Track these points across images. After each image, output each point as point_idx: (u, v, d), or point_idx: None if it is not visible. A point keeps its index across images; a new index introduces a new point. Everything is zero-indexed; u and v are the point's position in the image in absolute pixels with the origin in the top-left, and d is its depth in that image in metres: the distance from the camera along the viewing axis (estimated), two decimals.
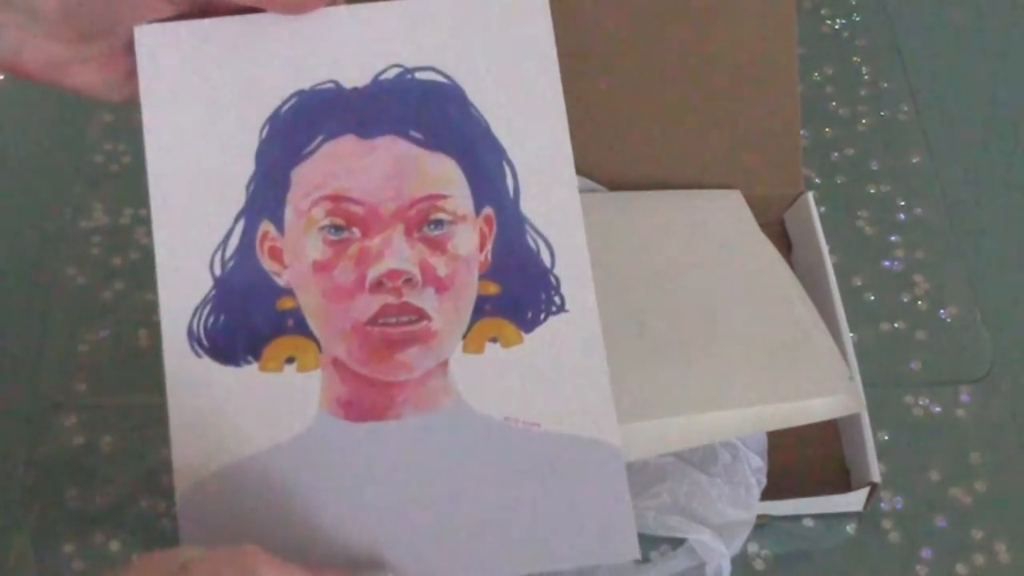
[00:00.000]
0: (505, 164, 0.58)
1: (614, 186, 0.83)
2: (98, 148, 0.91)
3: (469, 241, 0.57)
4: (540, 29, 0.58)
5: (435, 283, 0.56)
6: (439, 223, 0.56)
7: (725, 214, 0.82)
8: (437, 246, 0.56)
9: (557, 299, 0.57)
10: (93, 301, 0.83)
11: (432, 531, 0.55)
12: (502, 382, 0.56)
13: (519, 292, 0.57)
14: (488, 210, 0.57)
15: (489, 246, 0.57)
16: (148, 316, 0.81)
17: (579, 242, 0.57)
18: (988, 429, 0.78)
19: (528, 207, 0.57)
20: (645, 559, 0.70)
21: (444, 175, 0.57)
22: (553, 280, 0.57)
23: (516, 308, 0.57)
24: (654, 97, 0.83)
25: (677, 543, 0.70)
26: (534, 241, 0.57)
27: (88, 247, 0.85)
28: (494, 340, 0.56)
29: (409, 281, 0.56)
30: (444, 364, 0.56)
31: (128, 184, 0.89)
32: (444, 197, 0.57)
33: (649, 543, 0.71)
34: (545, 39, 0.58)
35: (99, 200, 0.88)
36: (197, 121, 0.56)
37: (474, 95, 0.58)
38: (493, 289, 0.57)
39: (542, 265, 0.57)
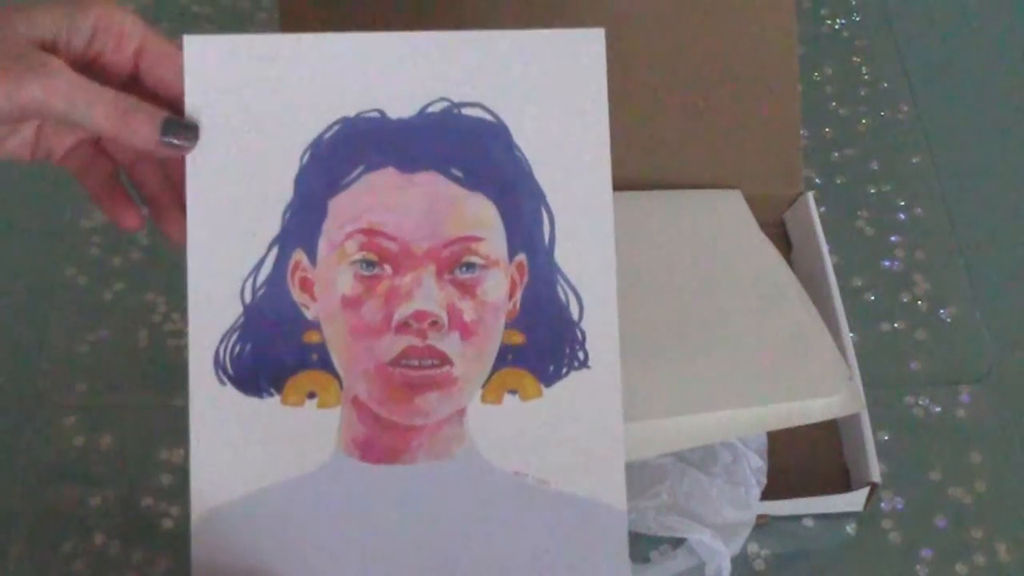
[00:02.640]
0: (543, 209, 0.56)
1: (614, 186, 0.82)
2: None
3: (499, 287, 0.56)
4: (594, 76, 0.56)
5: (461, 328, 0.55)
6: (471, 266, 0.56)
7: (725, 214, 0.82)
8: (467, 290, 0.56)
9: (581, 354, 0.56)
10: (93, 301, 0.83)
11: None
12: (517, 436, 0.56)
13: (544, 344, 0.56)
14: (521, 257, 0.56)
15: (519, 294, 0.56)
16: (148, 316, 0.81)
17: (610, 298, 0.56)
18: (988, 429, 0.78)
19: (562, 256, 0.56)
20: (645, 559, 0.70)
21: (481, 217, 0.56)
22: (579, 334, 0.56)
23: (539, 360, 0.56)
24: (654, 97, 0.83)
25: (677, 543, 0.70)
26: (564, 292, 0.56)
27: (88, 247, 0.85)
28: (513, 392, 0.56)
29: (435, 324, 0.55)
30: (461, 412, 0.56)
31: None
32: (479, 240, 0.56)
33: (649, 543, 0.71)
34: (598, 87, 0.56)
35: None
36: (239, 141, 0.55)
37: (519, 135, 0.56)
38: (518, 339, 0.56)
39: (570, 318, 0.56)
